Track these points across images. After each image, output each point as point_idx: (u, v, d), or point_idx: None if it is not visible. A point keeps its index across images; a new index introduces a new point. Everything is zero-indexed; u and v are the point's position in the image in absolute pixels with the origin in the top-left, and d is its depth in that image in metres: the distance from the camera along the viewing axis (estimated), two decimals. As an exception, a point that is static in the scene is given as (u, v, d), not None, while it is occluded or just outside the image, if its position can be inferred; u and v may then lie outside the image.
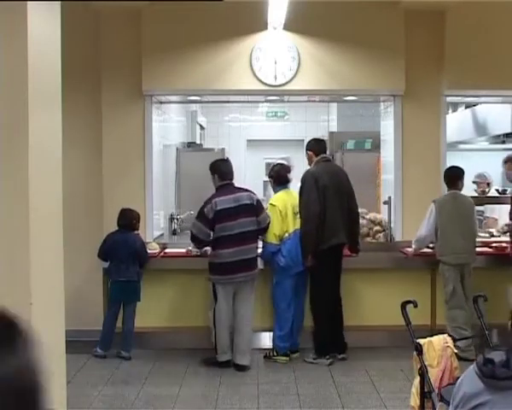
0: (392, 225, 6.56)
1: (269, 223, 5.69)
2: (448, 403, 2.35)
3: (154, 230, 6.55)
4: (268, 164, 9.78)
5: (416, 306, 3.52)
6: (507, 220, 6.17)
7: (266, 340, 6.08)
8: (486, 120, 9.00)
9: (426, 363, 3.34)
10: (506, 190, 7.35)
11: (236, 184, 5.75)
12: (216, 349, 5.56)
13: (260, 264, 5.75)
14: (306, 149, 5.99)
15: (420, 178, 6.45)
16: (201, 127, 10.35)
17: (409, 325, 3.50)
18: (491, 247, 6.34)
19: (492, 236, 6.77)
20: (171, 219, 7.48)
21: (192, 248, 5.96)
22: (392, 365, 5.59)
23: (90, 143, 6.34)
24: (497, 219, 7.20)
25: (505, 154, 6.52)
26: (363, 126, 9.00)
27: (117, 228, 5.93)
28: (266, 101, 8.42)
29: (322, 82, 6.39)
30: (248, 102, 8.52)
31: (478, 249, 5.99)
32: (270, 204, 5.88)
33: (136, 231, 6.00)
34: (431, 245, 6.04)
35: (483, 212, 7.75)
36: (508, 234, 6.07)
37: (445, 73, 6.43)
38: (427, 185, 6.33)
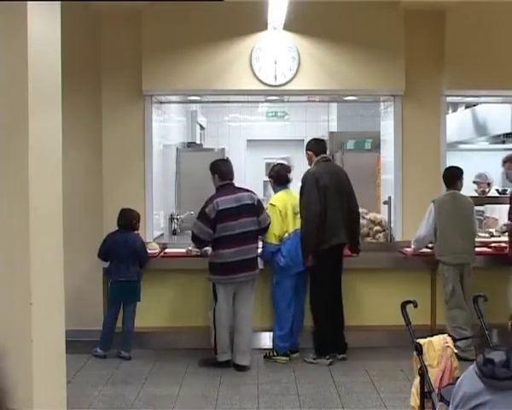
0: (392, 225, 6.56)
1: (269, 223, 5.69)
2: (448, 403, 2.34)
3: (154, 230, 6.55)
4: (268, 164, 9.79)
5: (416, 306, 3.52)
6: (506, 220, 6.17)
7: (266, 340, 6.08)
8: (486, 120, 9.00)
9: (426, 363, 3.34)
10: (506, 190, 7.35)
11: (236, 184, 5.75)
12: (215, 349, 5.56)
13: (260, 264, 5.75)
14: (306, 149, 6.00)
15: (420, 178, 6.45)
16: (201, 127, 10.35)
17: (409, 325, 3.50)
18: (490, 247, 6.34)
19: (492, 236, 6.77)
20: (171, 219, 7.48)
21: (192, 248, 5.96)
22: (392, 365, 5.59)
23: (90, 143, 6.35)
24: (497, 219, 7.20)
25: (505, 154, 6.52)
26: (363, 126, 9.00)
27: (117, 228, 5.93)
28: (266, 101, 8.42)
29: (322, 82, 6.39)
30: (248, 102, 8.51)
31: (477, 249, 5.99)
32: (270, 204, 5.88)
33: (136, 231, 6.00)
34: (430, 245, 6.04)
35: (483, 212, 7.75)
36: (506, 234, 6.07)
37: (445, 73, 6.43)
38: (427, 185, 6.33)
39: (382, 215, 6.81)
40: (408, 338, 3.48)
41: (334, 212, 5.66)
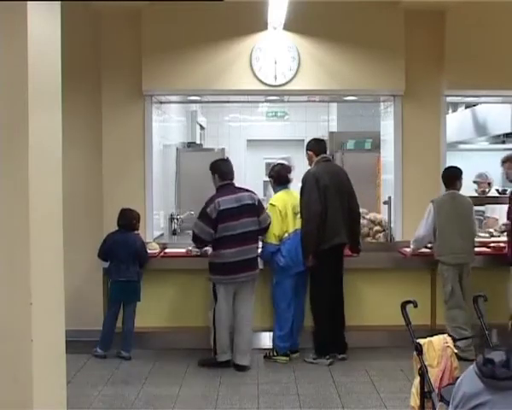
0: (392, 225, 6.56)
1: (269, 223, 5.69)
2: (448, 403, 2.35)
3: (154, 230, 6.55)
4: (268, 164, 9.79)
5: (416, 306, 3.51)
6: (505, 220, 6.17)
7: (266, 340, 6.08)
8: (486, 120, 9.00)
9: (426, 363, 3.34)
10: (506, 190, 7.35)
11: (236, 184, 5.74)
12: (215, 350, 5.55)
13: (260, 264, 5.74)
14: (307, 150, 6.00)
15: (420, 178, 6.45)
16: (201, 127, 10.35)
17: (409, 325, 3.50)
18: (489, 247, 6.35)
19: (492, 236, 6.77)
20: (171, 219, 7.48)
21: (192, 248, 5.96)
22: (392, 365, 5.59)
23: (90, 143, 6.35)
24: (497, 220, 7.20)
25: (505, 154, 6.52)
26: (363, 126, 9.00)
27: (117, 228, 5.93)
28: (266, 101, 8.42)
29: (322, 82, 6.39)
30: (248, 102, 8.51)
31: (476, 249, 6.00)
32: (270, 204, 5.88)
33: (136, 231, 6.00)
34: (429, 245, 6.05)
35: (484, 212, 7.75)
36: (505, 233, 6.07)
37: (445, 73, 6.43)
38: (427, 185, 6.33)
39: (382, 215, 6.81)
40: (408, 338, 3.48)
41: (334, 212, 5.66)
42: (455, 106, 9.73)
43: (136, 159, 6.42)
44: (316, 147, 5.96)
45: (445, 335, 3.59)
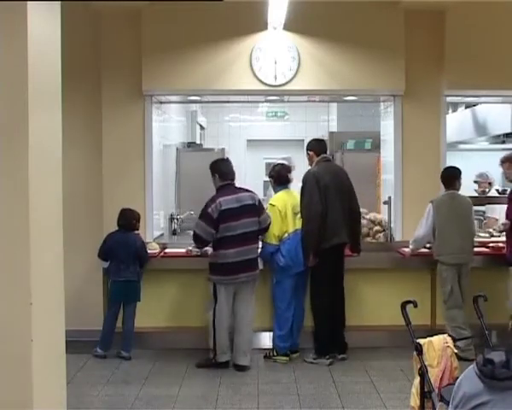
0: (392, 225, 6.56)
1: (269, 223, 5.69)
2: (448, 403, 2.35)
3: (154, 230, 6.55)
4: (268, 164, 9.80)
5: (415, 306, 3.52)
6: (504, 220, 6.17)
7: (266, 340, 6.08)
8: (486, 120, 9.00)
9: (426, 363, 3.34)
10: (506, 190, 7.35)
11: (237, 184, 5.74)
12: (214, 350, 5.54)
13: (261, 264, 5.74)
14: (307, 150, 5.99)
15: (420, 178, 6.45)
16: (201, 127, 10.36)
17: (409, 325, 3.50)
18: (488, 247, 6.35)
19: (492, 236, 6.77)
20: (171, 219, 7.48)
21: (192, 249, 5.96)
22: (392, 365, 5.59)
23: (90, 143, 6.34)
24: (497, 220, 7.20)
25: (505, 154, 6.52)
26: (363, 126, 9.01)
27: (117, 228, 5.93)
28: (266, 101, 8.42)
29: (322, 82, 6.38)
30: (248, 102, 8.51)
31: (475, 249, 6.00)
32: (270, 204, 5.88)
33: (136, 231, 6.00)
34: (428, 245, 6.05)
35: (484, 212, 7.75)
36: (504, 233, 6.08)
37: (445, 73, 6.43)
38: (427, 185, 6.33)
39: (382, 215, 6.81)
40: (408, 338, 3.48)
41: (334, 211, 5.66)
42: (455, 106, 9.73)
43: (136, 159, 6.42)
44: (316, 147, 5.96)
45: (445, 335, 3.59)
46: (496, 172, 7.54)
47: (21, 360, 3.25)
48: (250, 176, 10.70)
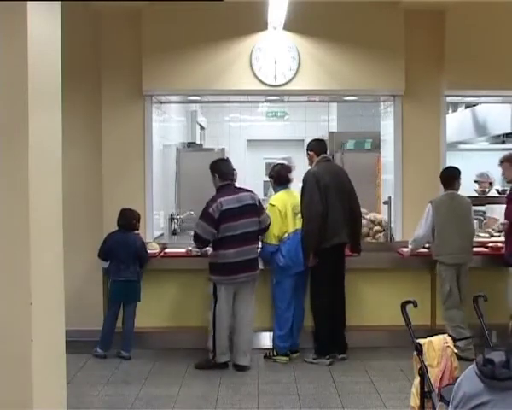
0: (392, 225, 6.56)
1: (269, 224, 5.69)
2: (448, 403, 2.35)
3: (154, 230, 6.55)
4: (268, 164, 9.80)
5: (415, 306, 3.51)
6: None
7: (266, 340, 6.08)
8: (486, 120, 9.00)
9: (426, 363, 3.34)
10: (506, 190, 7.35)
11: (237, 184, 5.74)
12: (214, 351, 5.53)
13: (261, 264, 5.74)
14: (307, 150, 5.99)
15: (420, 178, 6.45)
16: (201, 127, 10.36)
17: (409, 325, 3.50)
18: (486, 247, 6.35)
19: (492, 236, 6.77)
20: (171, 219, 7.48)
21: (192, 248, 5.95)
22: (392, 365, 5.59)
23: (90, 143, 6.34)
24: (497, 220, 7.20)
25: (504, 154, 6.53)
26: (363, 126, 9.01)
27: (117, 228, 5.93)
28: (266, 101, 8.42)
29: (322, 82, 6.38)
30: (248, 102, 8.52)
31: (474, 249, 6.00)
32: (270, 204, 5.88)
33: (136, 231, 6.00)
34: (426, 245, 6.06)
35: (484, 212, 7.75)
36: (502, 233, 6.08)
37: (445, 73, 6.43)
38: (427, 185, 6.33)
39: (382, 215, 6.81)
40: (408, 338, 3.48)
41: (335, 211, 5.66)
42: (455, 106, 9.73)
43: (136, 159, 6.42)
44: (317, 147, 5.96)
45: (445, 335, 3.59)
46: (496, 173, 7.53)
47: (21, 360, 3.25)
48: (250, 176, 10.70)
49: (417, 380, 3.37)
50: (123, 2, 6.05)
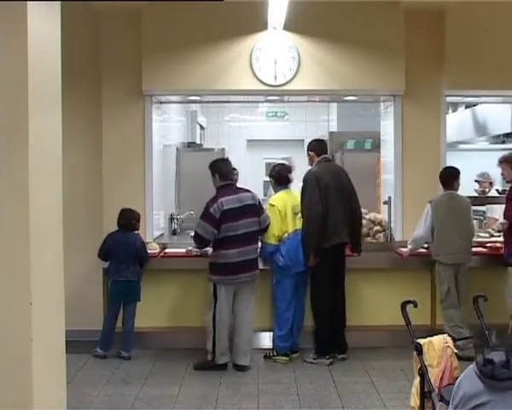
0: (392, 225, 6.56)
1: (269, 224, 5.69)
2: (448, 403, 2.35)
3: (154, 230, 6.54)
4: (268, 164, 9.80)
5: (416, 306, 3.52)
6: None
7: (266, 340, 6.08)
8: (486, 120, 9.00)
9: (426, 363, 3.34)
10: (506, 191, 7.35)
11: (238, 184, 5.74)
12: (213, 352, 5.51)
13: (261, 264, 5.74)
14: (308, 150, 5.99)
15: (420, 178, 6.45)
16: (201, 127, 10.36)
17: (409, 325, 3.50)
18: (485, 247, 6.35)
19: (492, 236, 6.77)
20: (171, 219, 7.48)
21: (192, 248, 5.95)
22: (392, 365, 5.59)
23: (90, 143, 6.34)
24: (497, 220, 7.21)
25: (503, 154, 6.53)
26: (363, 126, 9.01)
27: (117, 228, 5.93)
28: (266, 101, 8.42)
29: (322, 82, 6.38)
30: (248, 102, 8.52)
31: (473, 249, 6.00)
32: (270, 204, 5.88)
33: (136, 231, 6.00)
34: (425, 245, 6.06)
35: (484, 212, 7.75)
36: (501, 233, 6.08)
37: (445, 73, 6.43)
38: (427, 185, 6.33)
39: (382, 215, 6.81)
40: (408, 338, 3.48)
41: (335, 211, 5.66)
42: (455, 106, 9.73)
43: (136, 159, 6.42)
44: (317, 147, 5.96)
45: (445, 335, 3.59)
46: (496, 173, 7.54)
47: (21, 360, 3.25)
48: (250, 176, 10.70)
49: (417, 380, 3.37)
50: (123, 2, 6.05)
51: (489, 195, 7.59)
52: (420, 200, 6.09)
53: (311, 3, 6.12)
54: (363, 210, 6.33)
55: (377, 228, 6.71)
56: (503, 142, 9.15)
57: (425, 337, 3.47)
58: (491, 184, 7.61)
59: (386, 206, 6.56)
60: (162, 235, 7.02)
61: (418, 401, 3.35)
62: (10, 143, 3.25)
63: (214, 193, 5.58)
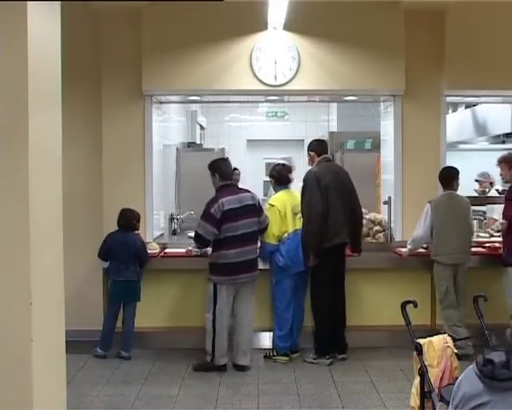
0: (392, 225, 6.56)
1: (268, 224, 5.69)
2: (448, 403, 2.35)
3: (154, 230, 6.55)
4: (268, 164, 9.81)
5: (415, 306, 3.52)
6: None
7: (266, 340, 6.08)
8: (486, 120, 9.00)
9: (426, 363, 3.34)
10: (506, 191, 7.35)
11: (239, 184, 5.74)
12: (213, 353, 5.50)
13: (261, 264, 5.74)
14: (308, 150, 5.99)
15: (420, 178, 6.45)
16: (201, 127, 10.36)
17: (409, 325, 3.50)
18: (484, 247, 6.35)
19: (492, 236, 6.77)
20: (171, 219, 7.48)
21: (192, 248, 5.95)
22: (392, 365, 5.59)
23: (90, 143, 6.34)
24: (497, 220, 7.21)
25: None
26: (363, 126, 9.01)
27: (117, 228, 5.93)
28: (266, 101, 8.43)
29: (322, 82, 6.38)
30: (248, 102, 8.52)
31: (472, 249, 6.00)
32: (269, 204, 5.88)
33: (136, 231, 6.00)
34: (425, 245, 6.05)
35: (484, 212, 7.75)
36: (500, 233, 6.08)
37: (445, 73, 6.43)
38: (427, 185, 6.33)
39: (382, 215, 6.81)
40: (408, 338, 3.48)
41: (335, 211, 5.66)
42: (455, 106, 9.73)
43: (136, 159, 6.42)
44: (318, 147, 5.96)
45: (445, 335, 3.59)
46: (495, 173, 7.54)
47: (21, 360, 3.25)
48: (250, 176, 10.70)
49: (417, 380, 3.37)
50: (123, 2, 6.05)
51: (489, 195, 7.58)
52: (420, 200, 6.09)
53: (311, 3, 6.12)
54: (363, 210, 6.34)
55: (377, 228, 6.71)
56: (503, 142, 9.15)
57: (425, 337, 3.47)
58: (491, 184, 7.60)
59: (386, 206, 6.56)
60: (162, 235, 7.02)
61: (418, 401, 3.35)
62: (10, 143, 3.25)
63: (214, 193, 5.57)
